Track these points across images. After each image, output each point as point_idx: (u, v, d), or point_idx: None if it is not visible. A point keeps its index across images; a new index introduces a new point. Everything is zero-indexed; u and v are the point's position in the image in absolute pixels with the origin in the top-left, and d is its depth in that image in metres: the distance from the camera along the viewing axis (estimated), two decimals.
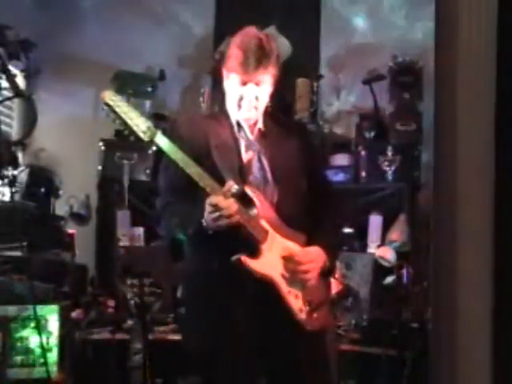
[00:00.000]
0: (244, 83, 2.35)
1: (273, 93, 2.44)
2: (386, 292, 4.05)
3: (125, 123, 2.19)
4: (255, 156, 2.39)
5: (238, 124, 2.42)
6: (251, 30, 2.40)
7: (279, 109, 2.55)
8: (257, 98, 2.37)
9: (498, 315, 2.93)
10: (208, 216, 2.20)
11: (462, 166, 3.01)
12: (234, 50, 2.37)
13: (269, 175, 2.38)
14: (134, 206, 4.55)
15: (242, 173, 2.34)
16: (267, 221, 2.31)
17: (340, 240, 2.80)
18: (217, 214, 2.17)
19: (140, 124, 2.19)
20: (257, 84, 2.35)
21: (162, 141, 2.22)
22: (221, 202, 2.17)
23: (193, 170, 2.21)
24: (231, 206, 2.18)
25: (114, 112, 2.18)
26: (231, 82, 2.38)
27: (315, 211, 2.44)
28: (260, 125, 2.45)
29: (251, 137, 2.42)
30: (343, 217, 2.62)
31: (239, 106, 2.38)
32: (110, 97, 2.18)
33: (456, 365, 2.96)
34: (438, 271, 3.11)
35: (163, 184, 2.45)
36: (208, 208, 2.19)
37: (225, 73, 2.41)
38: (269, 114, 2.49)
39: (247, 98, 2.36)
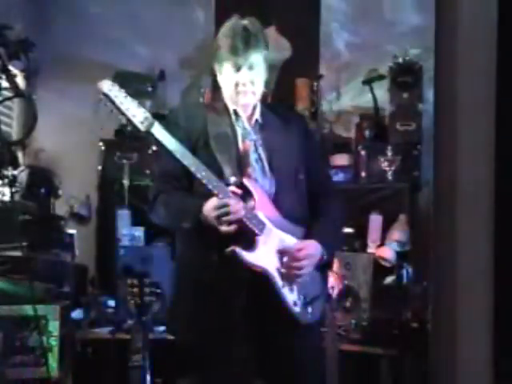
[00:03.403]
0: (237, 69, 2.34)
1: (267, 81, 2.43)
2: (385, 292, 4.05)
3: (122, 113, 2.16)
4: (252, 146, 2.38)
5: (236, 113, 2.41)
6: (233, 19, 2.42)
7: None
8: (252, 83, 2.36)
9: (498, 315, 2.93)
10: (213, 215, 2.20)
11: (462, 166, 3.01)
12: (220, 40, 2.38)
13: (266, 167, 2.37)
14: (133, 206, 4.55)
15: (240, 163, 2.33)
16: (264, 213, 2.30)
17: (340, 234, 2.78)
18: (225, 215, 2.18)
19: (137, 114, 2.17)
20: (250, 68, 2.34)
21: (159, 131, 2.20)
22: (233, 206, 2.18)
23: (190, 161, 2.20)
24: (240, 209, 2.20)
25: (112, 102, 2.15)
26: (225, 72, 2.37)
27: (314, 204, 2.43)
28: (257, 115, 2.43)
29: (248, 127, 2.41)
30: (344, 211, 2.59)
31: (236, 93, 2.36)
32: (108, 87, 2.15)
33: (456, 365, 2.96)
34: (438, 271, 3.11)
35: (158, 171, 2.45)
36: (215, 209, 2.19)
37: (217, 67, 2.41)
38: (266, 104, 2.48)
39: (243, 83, 2.35)
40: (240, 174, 2.30)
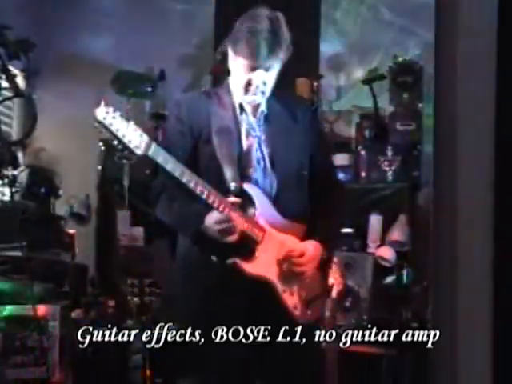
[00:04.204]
0: (253, 69, 2.29)
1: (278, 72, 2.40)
2: (385, 292, 4.05)
3: (118, 140, 2.16)
4: (255, 144, 2.36)
5: (241, 106, 2.39)
6: (262, 12, 2.33)
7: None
8: (264, 83, 2.33)
9: (498, 315, 2.93)
10: (215, 229, 2.20)
11: (462, 166, 3.01)
12: (243, 33, 2.29)
13: (268, 166, 2.35)
14: (133, 206, 4.55)
15: (241, 163, 2.31)
16: (265, 218, 2.29)
17: (340, 230, 2.78)
18: (227, 229, 2.19)
19: (133, 139, 2.16)
20: (266, 70, 2.30)
21: (156, 153, 2.18)
22: (234, 220, 2.18)
23: (188, 177, 2.19)
24: (242, 221, 2.21)
25: (107, 129, 2.15)
26: (238, 66, 2.32)
27: (316, 201, 2.42)
28: (263, 107, 2.40)
29: (253, 121, 2.39)
30: (344, 207, 2.59)
31: (246, 90, 2.33)
32: (102, 114, 2.14)
33: (456, 365, 2.96)
34: (438, 271, 3.11)
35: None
36: (217, 224, 2.20)
37: (231, 53, 2.35)
38: (272, 92, 2.43)
39: (255, 83, 2.31)
40: (240, 175, 2.29)
